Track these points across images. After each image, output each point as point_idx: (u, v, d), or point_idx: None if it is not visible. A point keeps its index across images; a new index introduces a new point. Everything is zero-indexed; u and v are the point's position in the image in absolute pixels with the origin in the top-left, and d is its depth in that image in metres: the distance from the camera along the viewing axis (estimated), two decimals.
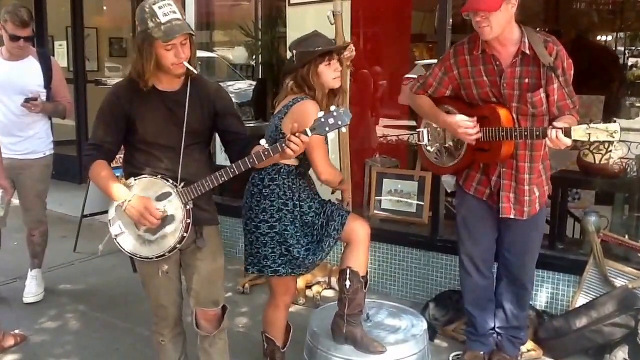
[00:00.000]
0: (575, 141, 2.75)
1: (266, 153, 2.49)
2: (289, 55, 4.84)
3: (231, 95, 6.86)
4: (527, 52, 2.93)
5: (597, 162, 3.97)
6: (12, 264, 4.80)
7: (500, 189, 3.16)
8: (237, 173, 2.56)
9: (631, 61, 7.10)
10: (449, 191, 3.57)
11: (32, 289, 4.46)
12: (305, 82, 2.99)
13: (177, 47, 2.54)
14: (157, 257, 2.67)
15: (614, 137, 2.59)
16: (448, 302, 4.08)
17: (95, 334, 4.01)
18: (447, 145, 3.29)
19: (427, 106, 3.26)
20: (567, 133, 2.69)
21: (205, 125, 2.75)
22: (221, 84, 7.82)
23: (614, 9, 6.48)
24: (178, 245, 2.65)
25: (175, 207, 2.60)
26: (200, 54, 7.80)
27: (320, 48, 2.99)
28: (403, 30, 6.09)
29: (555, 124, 2.78)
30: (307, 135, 2.46)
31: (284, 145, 2.46)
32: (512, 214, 3.15)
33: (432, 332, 3.82)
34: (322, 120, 2.48)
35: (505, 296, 3.41)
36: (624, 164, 4.09)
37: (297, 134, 2.44)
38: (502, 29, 2.89)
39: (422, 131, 3.40)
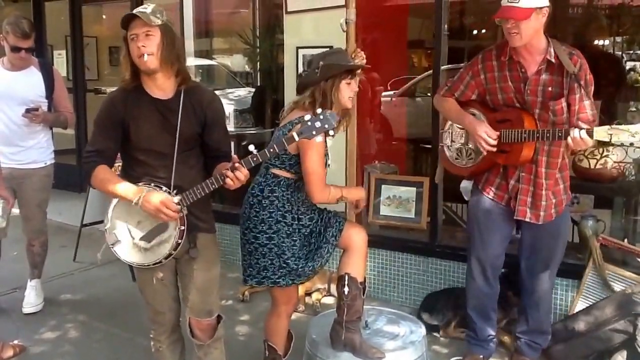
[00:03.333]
0: (597, 142, 2.88)
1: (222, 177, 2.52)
2: (286, 61, 4.94)
3: (231, 102, 6.95)
4: (553, 60, 3.00)
5: (592, 167, 3.98)
6: (11, 273, 4.81)
7: (517, 192, 3.21)
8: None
9: (629, 65, 7.12)
10: (467, 199, 3.60)
11: (31, 299, 4.46)
12: (324, 97, 2.96)
13: (139, 37, 2.56)
14: (153, 264, 2.68)
15: (634, 137, 2.65)
16: (439, 306, 4.12)
17: (94, 343, 4.01)
18: (468, 146, 3.37)
19: (453, 108, 3.33)
20: (589, 133, 2.78)
21: (197, 131, 2.75)
22: (221, 91, 7.93)
23: (610, 13, 6.49)
24: (173, 252, 2.66)
25: None
26: (200, 61, 7.82)
27: (350, 64, 3.00)
28: (399, 36, 6.11)
29: (574, 122, 2.90)
30: (295, 139, 2.49)
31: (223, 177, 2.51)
32: (528, 217, 3.21)
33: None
34: (309, 123, 2.49)
35: (527, 300, 3.44)
36: (622, 168, 4.09)
37: (236, 167, 2.48)
38: (530, 37, 2.96)
39: (448, 131, 3.48)
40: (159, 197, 2.55)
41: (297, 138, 2.49)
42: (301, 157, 2.93)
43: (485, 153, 3.19)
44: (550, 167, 3.15)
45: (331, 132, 2.54)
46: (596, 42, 6.87)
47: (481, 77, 3.22)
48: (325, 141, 3.05)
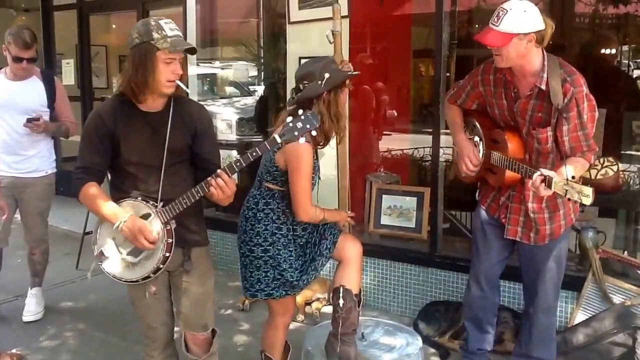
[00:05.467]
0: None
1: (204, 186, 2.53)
2: (288, 70, 4.94)
3: (237, 111, 6.94)
4: (543, 87, 2.86)
5: (593, 177, 3.94)
6: (14, 281, 4.82)
7: (507, 210, 3.15)
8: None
9: (635, 73, 7.07)
10: None
11: (32, 307, 4.48)
12: (329, 108, 2.95)
13: (176, 62, 2.58)
14: (142, 279, 2.65)
15: (582, 200, 2.51)
16: (436, 315, 4.11)
17: (93, 352, 4.01)
18: None
19: (452, 119, 3.31)
20: (549, 184, 2.62)
21: (188, 143, 2.74)
22: (227, 99, 7.95)
23: (617, 23, 6.44)
24: (161, 266, 2.63)
25: (155, 227, 2.59)
26: (206, 69, 7.85)
27: (351, 72, 3.02)
28: (403, 45, 6.11)
29: (542, 170, 2.70)
30: (277, 141, 2.47)
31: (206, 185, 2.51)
32: (518, 237, 3.14)
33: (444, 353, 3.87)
34: (291, 125, 2.47)
35: (524, 323, 3.36)
36: (624, 177, 4.05)
37: (218, 174, 2.49)
38: (513, 61, 2.86)
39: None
40: (139, 224, 2.54)
41: (279, 140, 2.47)
42: (289, 176, 2.93)
43: (461, 174, 3.20)
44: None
45: (313, 132, 2.53)
46: (603, 51, 6.83)
47: (480, 89, 3.15)
48: (317, 155, 3.05)
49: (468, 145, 3.16)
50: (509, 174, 3.01)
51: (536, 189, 2.68)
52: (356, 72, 3.09)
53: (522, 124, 2.99)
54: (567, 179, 2.58)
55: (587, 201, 2.51)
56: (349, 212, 3.41)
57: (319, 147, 3.06)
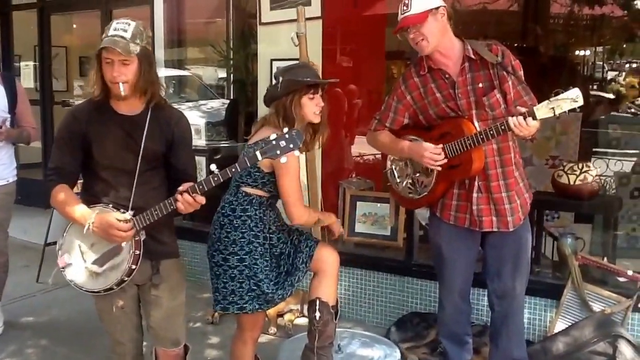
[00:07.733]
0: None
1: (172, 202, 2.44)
2: (260, 73, 4.84)
3: (204, 115, 6.81)
4: (472, 56, 2.92)
5: (572, 182, 3.90)
6: None
7: (477, 204, 3.01)
8: None
9: (609, 75, 7.14)
10: (424, 224, 3.46)
11: None
12: (285, 111, 2.90)
13: (115, 64, 2.47)
14: (104, 291, 2.56)
15: (577, 101, 2.55)
16: (408, 325, 4.04)
17: None
18: (417, 175, 3.14)
19: (388, 140, 3.17)
20: (531, 114, 2.67)
21: (161, 150, 2.66)
22: (194, 102, 7.79)
23: (592, 24, 6.48)
24: (126, 278, 2.54)
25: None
26: (172, 71, 7.70)
27: (308, 79, 2.91)
28: (377, 47, 6.06)
29: (513, 110, 2.76)
30: (258, 158, 2.38)
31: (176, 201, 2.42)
32: (495, 226, 3.01)
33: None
34: (274, 142, 2.38)
35: (496, 325, 3.23)
36: (601, 182, 4.03)
37: (190, 193, 2.40)
38: (437, 39, 2.88)
39: (390, 169, 3.28)
40: (107, 218, 2.45)
41: (260, 157, 2.39)
42: (277, 178, 2.87)
43: (438, 168, 3.00)
44: (505, 165, 2.97)
45: (296, 153, 2.44)
46: (577, 52, 6.87)
47: (408, 99, 3.09)
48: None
49: (420, 144, 3.00)
50: (476, 154, 2.89)
51: (522, 128, 2.70)
52: (308, 80, 2.94)
53: (467, 104, 2.95)
54: (549, 99, 2.61)
55: (581, 100, 2.56)
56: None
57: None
